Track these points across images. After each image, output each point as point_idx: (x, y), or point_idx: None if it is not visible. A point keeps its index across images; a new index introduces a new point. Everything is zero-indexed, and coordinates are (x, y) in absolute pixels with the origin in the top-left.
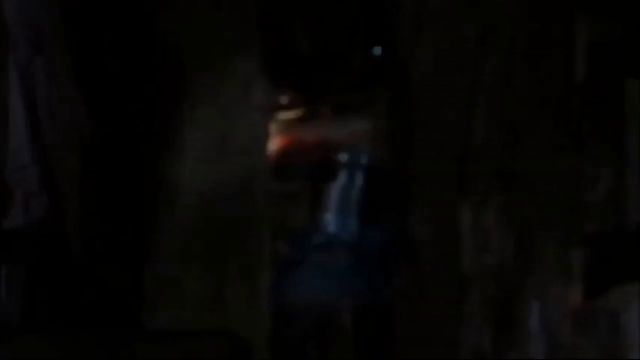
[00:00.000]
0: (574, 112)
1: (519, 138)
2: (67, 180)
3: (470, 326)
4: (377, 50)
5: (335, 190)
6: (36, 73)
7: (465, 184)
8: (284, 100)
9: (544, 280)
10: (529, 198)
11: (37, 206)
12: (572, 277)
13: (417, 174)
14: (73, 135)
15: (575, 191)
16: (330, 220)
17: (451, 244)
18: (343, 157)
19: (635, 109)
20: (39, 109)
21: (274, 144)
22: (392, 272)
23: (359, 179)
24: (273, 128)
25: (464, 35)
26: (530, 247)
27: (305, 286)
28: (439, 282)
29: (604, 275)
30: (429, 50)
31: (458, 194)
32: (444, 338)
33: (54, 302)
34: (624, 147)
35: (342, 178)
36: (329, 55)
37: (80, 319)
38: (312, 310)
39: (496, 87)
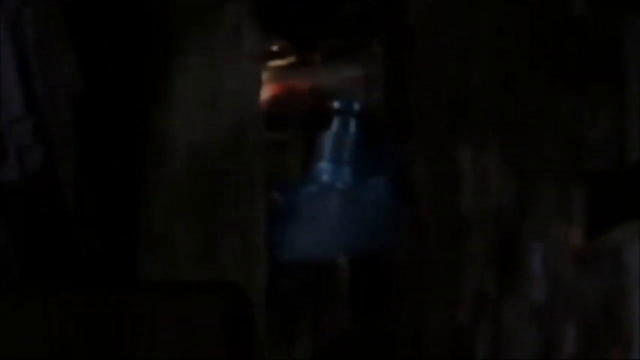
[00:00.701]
0: (571, 51)
1: (516, 79)
2: (60, 132)
3: (470, 269)
4: None
5: (328, 138)
6: (25, 24)
7: (463, 126)
8: (275, 47)
9: (545, 220)
10: (527, 139)
11: (31, 159)
12: (573, 217)
13: (414, 118)
14: (64, 87)
15: (573, 130)
16: (324, 168)
17: (450, 186)
18: (335, 104)
19: (635, 48)
20: (30, 61)
21: (265, 92)
22: (389, 219)
23: (352, 126)
24: (264, 76)
25: None
26: (530, 187)
27: (300, 236)
28: (439, 224)
29: (605, 214)
30: None
31: (456, 136)
32: (444, 281)
33: (48, 255)
34: (623, 86)
35: (335, 125)
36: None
37: (75, 273)
38: (307, 260)
39: (493, 28)
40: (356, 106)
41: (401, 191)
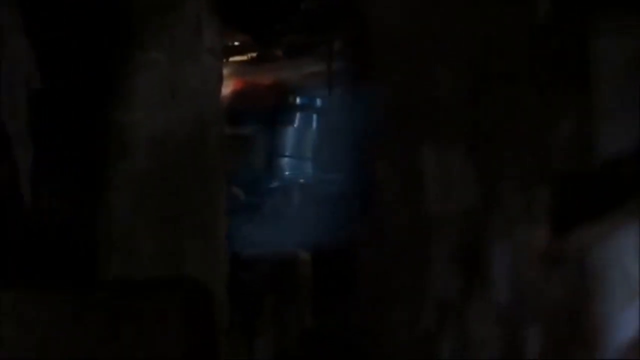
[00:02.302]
0: (537, 53)
1: (481, 80)
2: (17, 127)
3: (433, 270)
4: None
5: (290, 134)
6: None
7: (427, 126)
8: (236, 42)
9: (509, 222)
10: (492, 140)
11: None
12: (538, 218)
13: (377, 117)
14: (22, 82)
15: (539, 132)
16: (285, 164)
17: (413, 186)
18: (297, 100)
19: (601, 48)
20: None
21: (227, 88)
22: (350, 216)
23: (314, 122)
24: (225, 71)
25: None
26: (495, 189)
27: (262, 231)
28: (401, 225)
29: (570, 215)
30: None
31: (420, 136)
32: (407, 282)
33: (6, 254)
34: (590, 87)
35: (297, 121)
36: None
37: (33, 272)
38: (269, 255)
39: (458, 29)
40: (318, 102)
41: (363, 190)
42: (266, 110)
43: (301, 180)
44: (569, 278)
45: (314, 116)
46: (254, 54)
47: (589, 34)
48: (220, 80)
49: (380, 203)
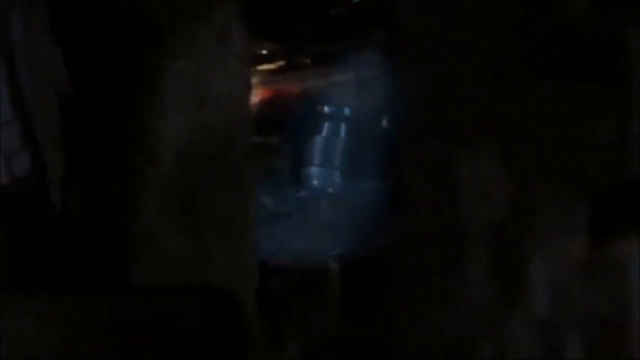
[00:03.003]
0: (575, 58)
1: (517, 87)
2: (49, 135)
3: (469, 278)
4: None
5: (318, 143)
6: (13, 27)
7: (461, 133)
8: (264, 50)
9: (547, 232)
10: (528, 148)
11: (19, 163)
12: (577, 227)
13: (409, 123)
14: (53, 90)
15: (575, 138)
16: (313, 172)
17: (448, 195)
18: (325, 108)
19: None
20: (18, 64)
21: (255, 96)
22: (379, 225)
23: (342, 130)
24: (253, 80)
25: None
26: (532, 198)
27: (290, 240)
28: (436, 232)
29: (609, 225)
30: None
31: (454, 144)
32: (442, 291)
33: (37, 258)
34: (629, 89)
35: (325, 130)
36: (309, 2)
37: (64, 276)
38: (297, 264)
39: (492, 33)
40: (346, 110)
41: (396, 199)
42: (294, 118)
43: (329, 190)
44: (609, 288)
45: (342, 125)
46: (282, 62)
47: (628, 32)
48: (248, 88)
49: (413, 210)
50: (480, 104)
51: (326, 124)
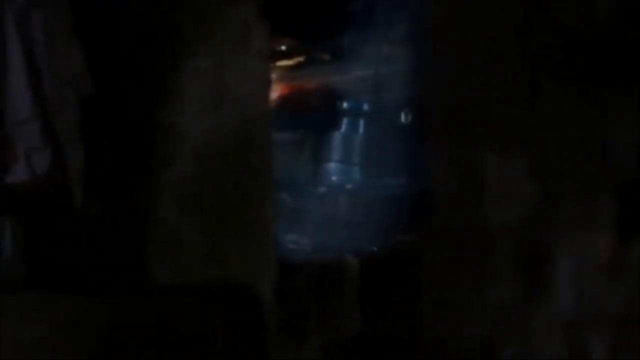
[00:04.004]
0: (598, 58)
1: (542, 86)
2: (69, 133)
3: (495, 277)
4: None
5: (337, 139)
6: (34, 26)
7: (487, 133)
8: (283, 47)
9: (572, 230)
10: (553, 147)
11: (40, 161)
12: (601, 226)
13: (437, 121)
14: (73, 88)
15: (600, 138)
16: (333, 169)
17: (475, 193)
18: (344, 104)
19: None
20: (38, 62)
21: (273, 92)
22: (399, 223)
23: (361, 127)
24: (272, 76)
25: None
26: (557, 196)
27: (310, 237)
28: (463, 231)
29: (634, 222)
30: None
31: (480, 143)
32: (468, 289)
33: (57, 255)
34: None
35: (344, 126)
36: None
37: (84, 273)
38: (317, 260)
39: (519, 33)
40: (365, 106)
41: (422, 196)
42: (313, 115)
43: (348, 185)
44: (633, 286)
45: (361, 121)
46: (301, 58)
47: None
48: (268, 84)
49: (440, 209)
50: (509, 104)
51: (345, 120)
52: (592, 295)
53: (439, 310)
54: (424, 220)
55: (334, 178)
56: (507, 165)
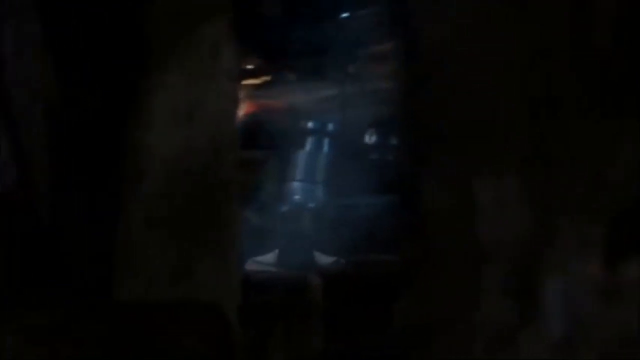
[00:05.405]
0: (595, 82)
1: (538, 109)
2: (35, 148)
3: (485, 299)
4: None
5: (301, 158)
6: (3, 38)
7: (482, 154)
8: (249, 65)
9: (564, 252)
10: (548, 170)
11: (6, 176)
12: (593, 250)
13: (429, 140)
14: (40, 102)
15: (595, 160)
16: (296, 188)
17: (467, 213)
18: (309, 124)
19: None
20: (6, 75)
21: (239, 111)
22: (363, 242)
23: (326, 146)
24: (239, 94)
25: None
26: (550, 219)
27: (274, 255)
28: (453, 252)
29: (626, 246)
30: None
31: (475, 164)
32: (457, 311)
33: (23, 271)
34: None
35: (309, 145)
36: (297, 19)
37: (50, 289)
38: (281, 279)
39: (516, 56)
40: (330, 126)
41: (411, 215)
42: (278, 133)
43: (311, 205)
44: (625, 311)
45: (326, 140)
46: (267, 77)
47: None
48: (236, 103)
49: (430, 229)
50: (503, 124)
51: (310, 139)
52: (583, 319)
53: (423, 331)
54: (407, 240)
55: (297, 197)
56: (501, 186)
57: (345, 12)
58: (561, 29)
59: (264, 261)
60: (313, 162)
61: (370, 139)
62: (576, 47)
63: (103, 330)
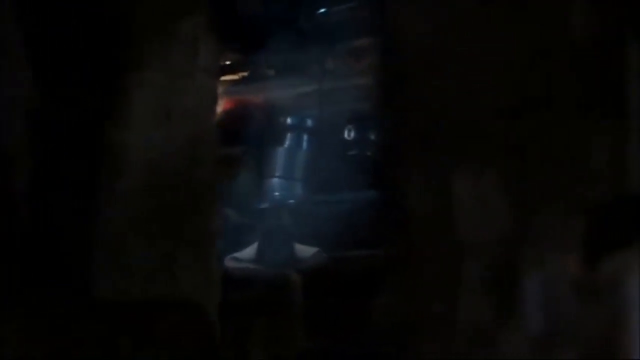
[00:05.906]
0: (571, 76)
1: (516, 106)
2: (13, 146)
3: (465, 298)
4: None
5: (280, 154)
6: None
7: (460, 151)
8: (227, 61)
9: (543, 250)
10: (526, 166)
11: None
12: (572, 247)
13: (407, 139)
14: (18, 100)
15: (573, 158)
16: (274, 184)
17: (445, 212)
18: (288, 120)
19: (637, 71)
20: None
21: (217, 107)
22: (342, 238)
23: (305, 142)
24: (218, 91)
25: None
26: (528, 216)
27: (253, 252)
28: (433, 253)
29: (604, 243)
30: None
31: (453, 161)
32: (437, 310)
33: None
34: (627, 109)
35: (287, 141)
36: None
37: (29, 286)
38: (260, 276)
39: (493, 53)
40: (309, 122)
41: (391, 213)
42: (256, 130)
43: (290, 201)
44: (603, 308)
45: (305, 136)
46: (245, 73)
47: (627, 52)
48: (215, 100)
49: (409, 227)
50: (482, 122)
51: (288, 135)
52: (562, 315)
53: (404, 331)
54: (386, 237)
55: (276, 193)
56: (480, 184)
57: (323, 7)
58: (538, 26)
59: (244, 258)
60: (292, 158)
61: (349, 134)
62: (551, 43)
63: (80, 325)
